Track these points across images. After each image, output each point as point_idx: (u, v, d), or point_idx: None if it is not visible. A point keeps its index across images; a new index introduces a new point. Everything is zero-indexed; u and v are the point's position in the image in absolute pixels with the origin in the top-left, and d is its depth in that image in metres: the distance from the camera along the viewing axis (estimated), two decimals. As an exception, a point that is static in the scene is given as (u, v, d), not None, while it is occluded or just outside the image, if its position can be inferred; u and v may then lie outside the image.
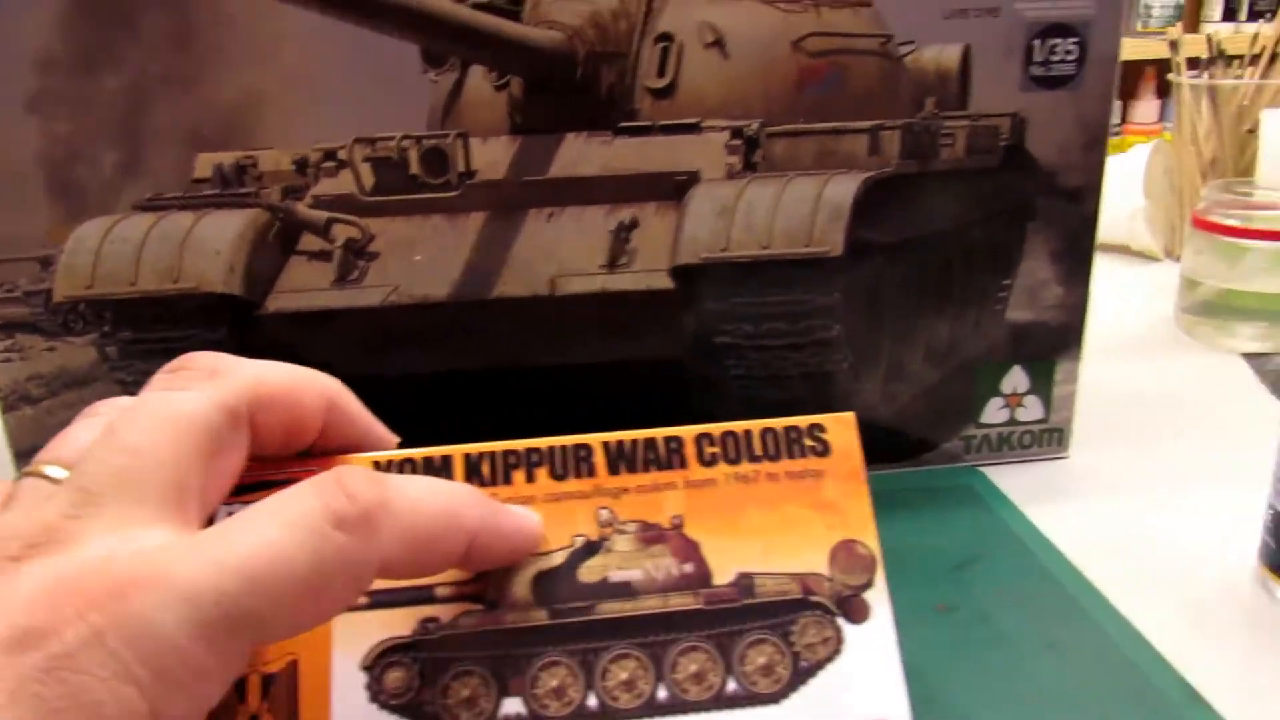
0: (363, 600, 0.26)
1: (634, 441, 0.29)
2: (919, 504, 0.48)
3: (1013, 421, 0.52)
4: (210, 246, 0.43)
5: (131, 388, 0.45)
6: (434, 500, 0.25)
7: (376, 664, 0.26)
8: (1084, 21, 0.46)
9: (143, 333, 0.44)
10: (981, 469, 0.52)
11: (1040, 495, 0.49)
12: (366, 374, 0.48)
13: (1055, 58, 0.46)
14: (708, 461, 0.29)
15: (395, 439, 0.29)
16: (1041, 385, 0.52)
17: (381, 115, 0.43)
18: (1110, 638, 0.38)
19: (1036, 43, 0.46)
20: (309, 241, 0.44)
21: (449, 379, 0.47)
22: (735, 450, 0.29)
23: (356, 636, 0.26)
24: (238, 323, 0.45)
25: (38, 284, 0.43)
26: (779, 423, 0.30)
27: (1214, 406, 0.61)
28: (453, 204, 0.44)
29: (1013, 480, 0.51)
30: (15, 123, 0.41)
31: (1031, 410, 0.52)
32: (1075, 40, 0.46)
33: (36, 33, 0.40)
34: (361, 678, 0.26)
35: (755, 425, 0.30)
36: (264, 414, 0.26)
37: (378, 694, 0.26)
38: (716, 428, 0.30)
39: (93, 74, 0.41)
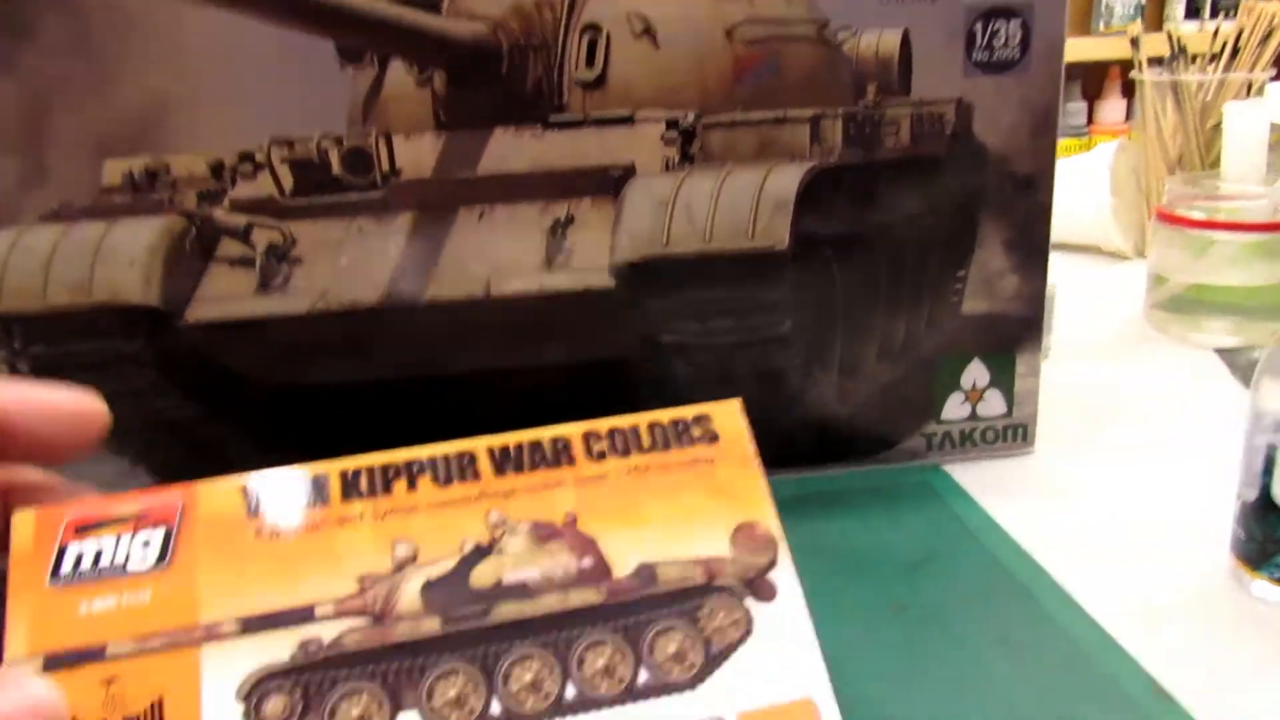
0: (232, 629, 0.24)
1: (519, 445, 0.28)
2: (875, 503, 0.46)
3: (974, 417, 0.51)
4: (124, 256, 0.41)
5: (52, 409, 0.43)
6: None
7: (254, 692, 0.24)
8: (1026, 4, 0.44)
9: (56, 348, 0.42)
10: (943, 466, 0.50)
11: (1002, 491, 0.47)
12: (294, 385, 0.46)
13: (999, 42, 0.45)
14: (597, 457, 0.28)
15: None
16: (1003, 379, 0.50)
17: (298, 114, 0.41)
18: (1070, 635, 0.36)
19: (978, 26, 0.44)
20: (228, 248, 0.43)
21: (381, 388, 0.45)
22: (625, 445, 0.28)
23: (229, 667, 0.24)
24: (156, 334, 0.43)
25: (-58, 300, 0.41)
26: (665, 415, 0.29)
27: (1185, 400, 0.59)
28: (378, 205, 0.43)
29: (975, 477, 0.49)
30: (-91, 130, 0.39)
31: (993, 405, 0.51)
32: (1019, 23, 0.45)
33: (-70, 36, 0.38)
34: (238, 709, 0.24)
35: (642, 419, 0.29)
36: None
37: (256, 721, 0.24)
38: (603, 424, 0.29)
39: (-9, 78, 0.39)
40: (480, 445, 0.27)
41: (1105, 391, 0.61)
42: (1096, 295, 0.82)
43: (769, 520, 0.27)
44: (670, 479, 0.28)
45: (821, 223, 0.45)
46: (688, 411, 0.29)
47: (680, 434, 0.28)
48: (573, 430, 0.28)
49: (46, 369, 0.42)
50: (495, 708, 0.25)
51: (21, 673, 0.23)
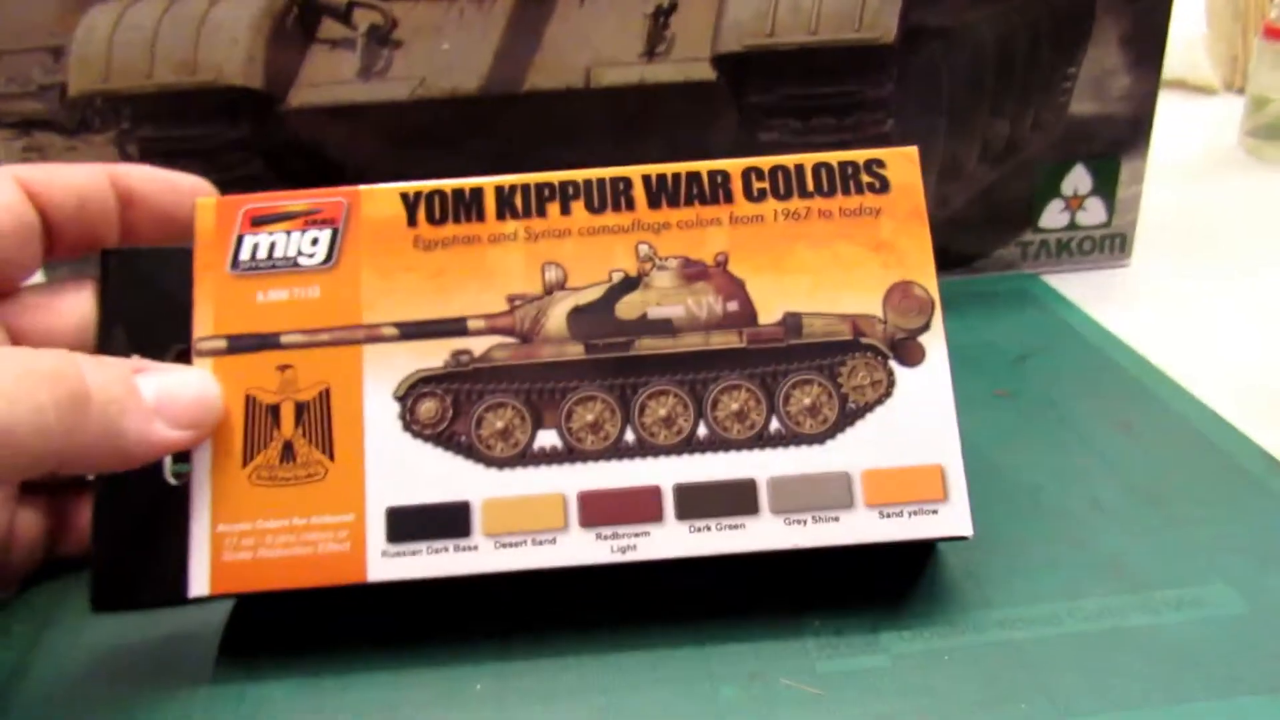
0: (391, 332, 0.25)
1: (676, 175, 0.28)
2: (971, 306, 0.46)
3: (1073, 225, 0.50)
4: (227, 34, 0.41)
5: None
6: None
7: (409, 394, 0.25)
8: None
9: (163, 130, 0.42)
10: (1040, 276, 0.50)
11: (1103, 298, 0.47)
12: (391, 174, 0.46)
13: None
14: (755, 197, 0.27)
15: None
16: (1105, 186, 0.49)
17: (400, -117, 0.40)
18: (1185, 419, 0.36)
19: None
20: (329, 29, 0.42)
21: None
22: (785, 186, 0.28)
23: (388, 367, 0.25)
24: (260, 120, 0.43)
25: (51, 76, 0.41)
26: (834, 157, 0.28)
27: (1286, 221, 0.58)
28: (478, -15, 0.42)
29: (1073, 286, 0.48)
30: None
31: (1093, 213, 0.50)
32: None
33: None
34: (394, 407, 0.25)
35: (808, 159, 0.28)
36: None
37: (410, 423, 0.25)
38: (766, 161, 0.28)
39: None
40: (636, 173, 0.27)
41: (1200, 212, 0.59)
42: (1184, 125, 0.79)
43: (928, 282, 0.27)
44: (830, 227, 0.27)
45: (931, 13, 0.44)
46: (859, 155, 0.28)
47: (848, 179, 0.27)
48: (733, 165, 0.28)
49: (155, 152, 0.42)
50: (629, 436, 0.26)
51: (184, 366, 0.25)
